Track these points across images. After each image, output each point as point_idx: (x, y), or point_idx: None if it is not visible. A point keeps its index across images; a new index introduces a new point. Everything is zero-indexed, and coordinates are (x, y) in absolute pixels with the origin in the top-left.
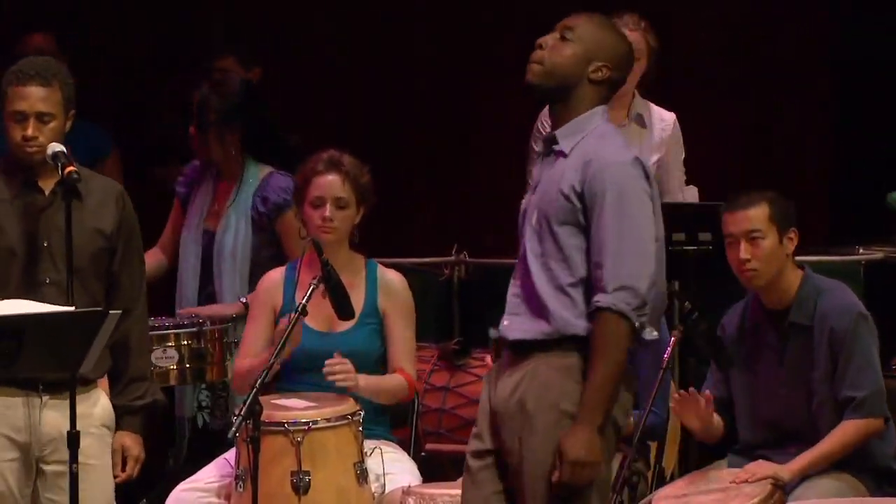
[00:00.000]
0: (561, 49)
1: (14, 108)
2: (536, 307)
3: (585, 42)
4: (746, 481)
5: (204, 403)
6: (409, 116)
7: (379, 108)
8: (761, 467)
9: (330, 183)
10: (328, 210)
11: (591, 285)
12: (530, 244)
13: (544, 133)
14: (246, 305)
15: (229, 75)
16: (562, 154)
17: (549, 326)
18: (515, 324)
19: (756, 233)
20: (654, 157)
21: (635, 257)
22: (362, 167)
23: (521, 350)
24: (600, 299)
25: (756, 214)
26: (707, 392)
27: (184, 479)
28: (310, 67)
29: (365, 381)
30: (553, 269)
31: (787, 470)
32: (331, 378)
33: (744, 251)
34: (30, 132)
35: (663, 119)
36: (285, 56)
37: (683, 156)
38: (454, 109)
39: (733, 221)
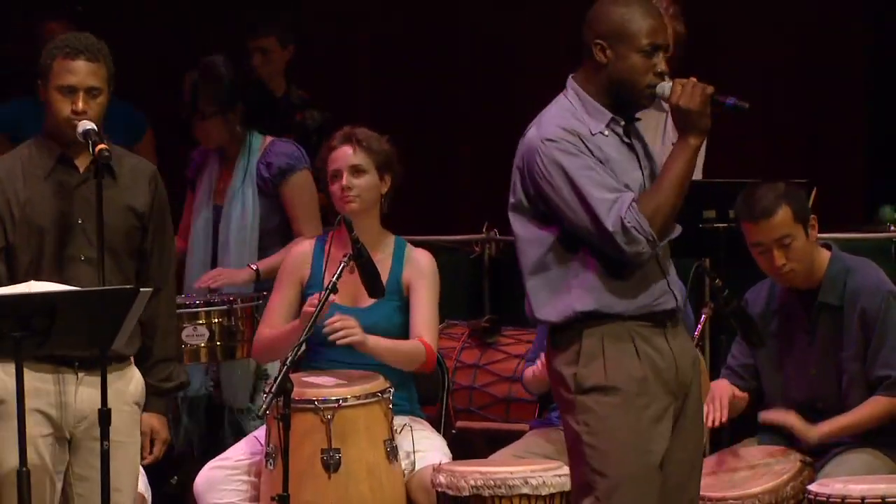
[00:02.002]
0: None
1: (63, 83)
2: None
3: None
4: (773, 422)
5: (211, 385)
6: (447, 96)
7: (417, 88)
8: (791, 417)
9: (343, 153)
10: (345, 178)
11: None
12: None
13: None
14: (257, 272)
15: (213, 59)
16: None
17: None
18: None
19: (786, 238)
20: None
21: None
22: (379, 137)
23: None
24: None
25: (782, 220)
26: (744, 394)
27: (207, 453)
28: (347, 45)
29: (375, 340)
30: None
31: (814, 431)
32: (332, 337)
33: (779, 258)
34: (80, 106)
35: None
36: (324, 32)
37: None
38: (491, 89)
39: (760, 231)
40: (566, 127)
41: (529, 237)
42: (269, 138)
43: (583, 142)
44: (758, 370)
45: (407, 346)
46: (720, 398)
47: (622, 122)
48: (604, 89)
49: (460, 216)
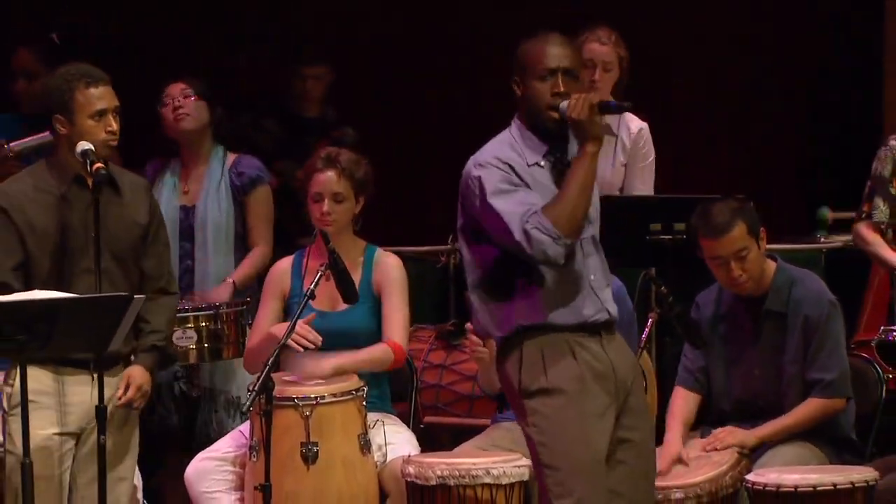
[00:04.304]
0: None
1: (95, 108)
2: None
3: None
4: (715, 448)
5: (179, 374)
6: (415, 121)
7: (416, 89)
8: (730, 434)
9: (327, 179)
10: (326, 205)
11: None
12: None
13: None
14: (234, 284)
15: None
16: None
17: None
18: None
19: (743, 251)
20: (619, 162)
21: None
22: (359, 161)
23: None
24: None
25: (739, 235)
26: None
27: (182, 443)
28: (347, 45)
29: (338, 362)
30: None
31: (753, 436)
32: (294, 349)
33: (736, 269)
34: (114, 126)
35: (629, 127)
36: (324, 32)
37: (648, 162)
38: (491, 89)
39: (718, 246)
40: (499, 156)
41: (471, 257)
42: (233, 154)
43: (513, 170)
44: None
45: (369, 353)
46: (673, 447)
47: (558, 154)
48: (527, 121)
49: (423, 228)
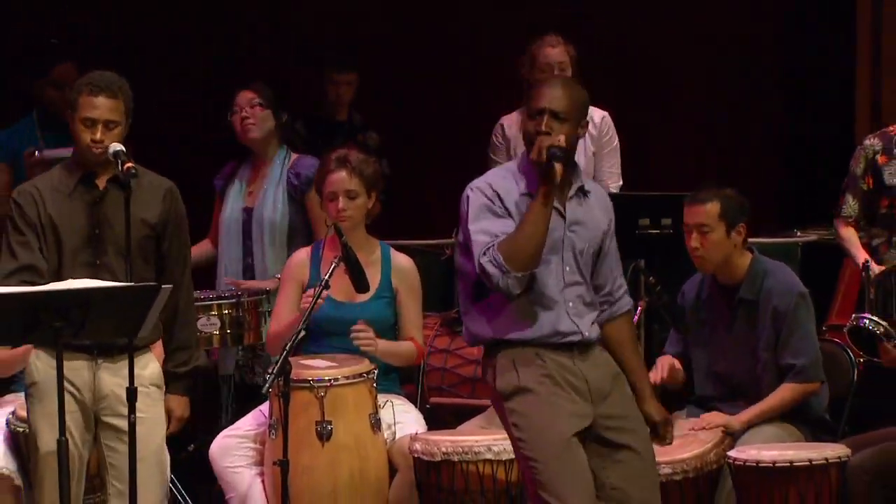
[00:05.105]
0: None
1: (85, 115)
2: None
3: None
4: (703, 429)
5: (241, 362)
6: (414, 121)
7: (416, 89)
8: (715, 417)
9: (340, 179)
10: (341, 202)
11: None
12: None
13: (502, 142)
14: (279, 280)
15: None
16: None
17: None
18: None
19: (705, 227)
20: (590, 153)
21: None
22: (368, 159)
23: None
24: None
25: (708, 210)
26: (680, 369)
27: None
28: (347, 45)
29: (383, 345)
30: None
31: (736, 420)
32: (356, 343)
33: (693, 240)
34: (98, 136)
35: (593, 118)
36: (324, 32)
37: (612, 147)
38: (456, 115)
39: (689, 213)
40: (492, 183)
41: (462, 271)
42: (295, 154)
43: (500, 200)
44: (689, 355)
45: (404, 349)
46: (661, 366)
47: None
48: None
49: (429, 222)
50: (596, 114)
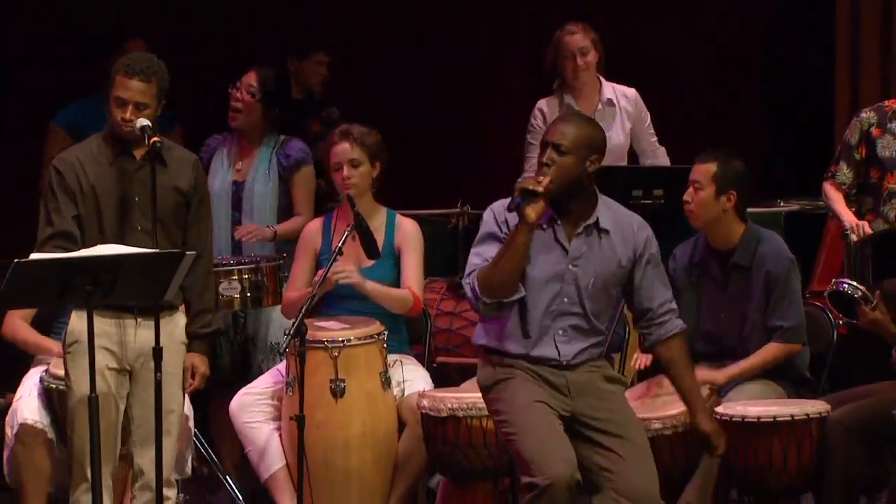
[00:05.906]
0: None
1: (118, 95)
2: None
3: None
4: None
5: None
6: (414, 121)
7: (415, 88)
8: (701, 372)
9: (343, 149)
10: (345, 171)
11: None
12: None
13: (542, 125)
14: (275, 233)
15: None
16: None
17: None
18: None
19: (698, 184)
20: (628, 129)
21: None
22: (369, 131)
23: None
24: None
25: (703, 171)
26: None
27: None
28: (347, 45)
29: (373, 286)
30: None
31: (722, 374)
32: (334, 278)
33: (687, 194)
34: (128, 116)
35: (626, 96)
36: (324, 32)
37: (649, 121)
38: (455, 115)
39: (693, 169)
40: (506, 210)
41: None
42: (283, 136)
43: (508, 226)
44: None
45: (397, 292)
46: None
47: (558, 222)
48: None
49: (435, 193)
50: (628, 91)
